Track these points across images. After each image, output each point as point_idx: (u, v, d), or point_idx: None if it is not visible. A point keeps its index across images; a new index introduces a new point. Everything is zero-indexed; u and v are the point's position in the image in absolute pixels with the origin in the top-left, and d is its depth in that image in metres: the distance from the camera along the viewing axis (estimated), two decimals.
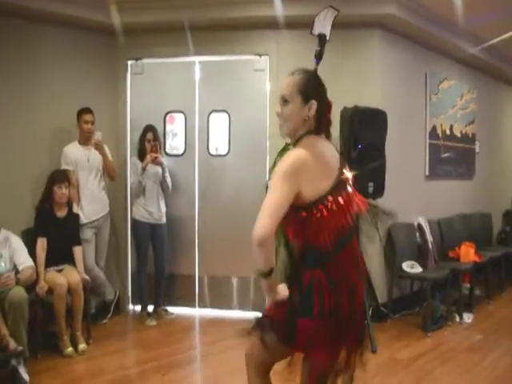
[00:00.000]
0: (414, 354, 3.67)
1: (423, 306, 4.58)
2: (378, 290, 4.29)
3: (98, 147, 4.16)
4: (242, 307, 4.56)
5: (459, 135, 5.81)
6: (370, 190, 3.98)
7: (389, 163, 4.14)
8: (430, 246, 4.71)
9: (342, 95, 4.27)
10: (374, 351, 3.66)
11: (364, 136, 3.95)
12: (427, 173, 5.24)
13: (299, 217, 1.67)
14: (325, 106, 1.78)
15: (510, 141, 7.34)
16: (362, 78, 4.41)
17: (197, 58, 4.63)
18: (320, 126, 1.77)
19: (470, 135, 6.08)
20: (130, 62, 4.74)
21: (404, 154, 4.76)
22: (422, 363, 3.50)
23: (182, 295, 4.68)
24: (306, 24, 3.80)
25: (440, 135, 5.44)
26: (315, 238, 1.68)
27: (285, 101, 1.75)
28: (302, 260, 1.75)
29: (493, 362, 3.55)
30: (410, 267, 4.41)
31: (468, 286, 4.91)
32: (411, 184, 4.91)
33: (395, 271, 4.48)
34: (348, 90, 4.35)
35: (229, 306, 4.62)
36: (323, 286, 1.66)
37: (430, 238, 4.75)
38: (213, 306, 4.67)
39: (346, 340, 1.77)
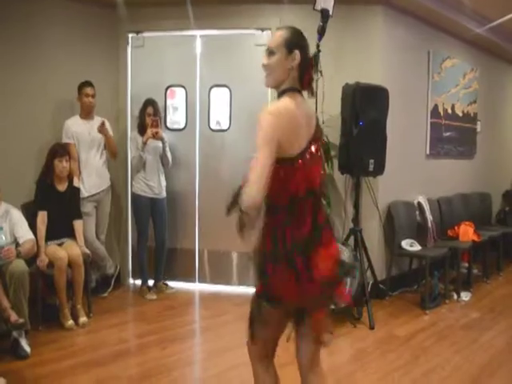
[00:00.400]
0: (411, 330, 3.72)
1: (421, 284, 4.62)
2: (376, 267, 4.32)
3: (102, 131, 4.12)
4: (242, 282, 4.59)
5: (461, 114, 5.77)
6: (371, 167, 3.96)
7: (390, 141, 4.11)
8: (430, 224, 4.73)
9: (344, 71, 4.25)
10: (372, 328, 3.72)
11: (365, 113, 3.91)
12: (428, 151, 5.22)
13: (277, 170, 1.67)
14: (308, 62, 1.84)
15: None
16: (365, 55, 4.36)
17: (198, 32, 4.56)
18: (303, 80, 1.83)
19: (472, 114, 6.04)
20: (130, 35, 4.67)
21: (405, 132, 4.73)
22: (419, 340, 3.54)
23: (182, 270, 4.71)
24: None
25: (441, 114, 5.40)
26: (286, 191, 1.74)
27: (270, 52, 1.82)
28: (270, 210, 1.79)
29: (489, 339, 3.60)
30: (410, 245, 4.43)
31: (466, 264, 4.96)
32: (412, 162, 4.89)
33: (394, 249, 4.50)
34: (350, 66, 4.31)
35: (229, 281, 4.65)
36: (287, 235, 1.73)
37: (429, 216, 4.76)
38: (213, 280, 4.70)
39: (311, 289, 1.73)
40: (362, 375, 3.00)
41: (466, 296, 4.59)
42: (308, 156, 1.78)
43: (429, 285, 4.26)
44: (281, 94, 1.83)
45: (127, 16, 4.47)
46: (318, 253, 1.73)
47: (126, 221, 4.75)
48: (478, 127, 6.23)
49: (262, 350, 1.93)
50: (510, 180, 7.21)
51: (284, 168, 1.71)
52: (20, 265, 3.20)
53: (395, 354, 3.31)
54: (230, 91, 4.55)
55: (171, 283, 4.60)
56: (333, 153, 4.26)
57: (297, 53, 1.79)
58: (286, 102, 1.77)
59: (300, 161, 1.74)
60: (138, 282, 4.59)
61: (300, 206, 1.76)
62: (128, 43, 4.67)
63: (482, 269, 5.30)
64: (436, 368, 3.09)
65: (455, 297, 4.53)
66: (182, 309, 4.18)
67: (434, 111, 5.27)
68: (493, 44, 6.07)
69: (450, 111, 5.54)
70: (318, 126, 1.91)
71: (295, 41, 1.82)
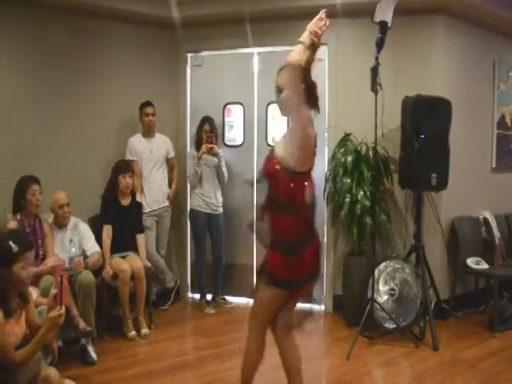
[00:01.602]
0: (479, 354, 3.51)
1: (489, 305, 4.35)
2: (439, 285, 4.14)
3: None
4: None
5: None
6: (433, 181, 3.83)
7: (453, 154, 3.97)
8: (497, 241, 4.48)
9: (404, 84, 4.17)
10: (435, 349, 3.56)
11: (427, 126, 3.80)
12: (494, 164, 4.97)
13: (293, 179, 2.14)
14: (312, 87, 2.19)
15: None
16: (425, 66, 4.25)
17: (255, 50, 4.64)
18: (310, 102, 2.20)
19: None
20: (189, 55, 4.83)
21: (469, 144, 4.54)
22: (488, 365, 3.33)
23: (240, 285, 4.73)
24: (366, 11, 3.75)
25: (509, 125, 5.15)
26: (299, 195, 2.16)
27: (279, 90, 2.20)
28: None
29: None
30: (476, 263, 4.21)
31: None
32: (477, 176, 4.68)
33: (459, 267, 4.30)
34: (410, 78, 4.22)
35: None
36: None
37: (497, 233, 4.52)
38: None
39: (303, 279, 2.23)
40: None
41: None
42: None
43: (498, 306, 4.02)
44: None
45: (186, 36, 4.64)
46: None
47: (185, 236, 4.85)
48: None
49: (265, 324, 2.32)
50: None
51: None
52: (88, 276, 3.36)
53: (461, 378, 3.14)
54: None
55: (229, 298, 4.63)
56: (392, 167, 4.17)
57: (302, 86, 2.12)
58: None
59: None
60: (197, 296, 4.66)
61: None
62: (187, 63, 4.83)
63: None
64: None
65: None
66: (240, 323, 4.17)
67: (501, 122, 5.03)
68: None
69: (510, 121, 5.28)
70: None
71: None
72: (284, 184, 2.13)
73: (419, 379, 3.15)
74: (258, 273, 2.39)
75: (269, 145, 4.65)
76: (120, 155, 4.31)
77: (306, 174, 2.20)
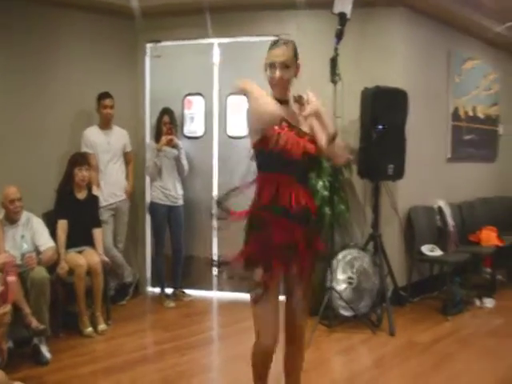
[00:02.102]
0: (433, 337, 3.64)
1: (443, 290, 4.52)
2: (396, 273, 4.25)
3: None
4: None
5: (482, 117, 5.67)
6: (390, 171, 3.92)
7: (409, 145, 4.06)
8: (451, 229, 4.64)
9: (363, 75, 4.22)
10: (392, 334, 3.66)
11: (385, 117, 3.88)
12: (449, 155, 5.13)
13: None
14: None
15: None
16: (384, 58, 4.31)
17: (216, 40, 4.59)
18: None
19: (494, 117, 5.93)
20: (148, 45, 4.73)
21: (425, 135, 4.66)
22: (441, 347, 3.46)
23: (200, 278, 4.70)
24: (327, 3, 3.76)
25: (462, 116, 5.32)
26: None
27: (286, 66, 2.01)
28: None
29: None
30: (430, 250, 4.35)
31: (489, 270, 4.84)
32: (432, 166, 4.81)
33: (415, 254, 4.42)
34: (369, 69, 4.27)
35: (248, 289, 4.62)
36: None
37: (450, 221, 4.67)
38: (232, 288, 4.67)
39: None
40: (382, 382, 2.95)
41: (489, 302, 4.47)
42: None
43: (450, 291, 4.17)
44: (288, 101, 2.11)
45: (145, 26, 4.54)
46: None
47: (144, 229, 4.78)
48: (500, 130, 6.10)
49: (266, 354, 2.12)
50: None
51: None
52: (41, 272, 3.24)
53: (416, 360, 3.24)
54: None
55: (189, 291, 4.60)
56: (352, 157, 4.22)
57: (299, 63, 2.05)
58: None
59: None
60: (157, 290, 4.60)
61: None
62: (146, 53, 4.73)
63: (506, 274, 5.16)
64: (459, 375, 3.01)
65: (478, 303, 4.42)
66: (200, 316, 4.18)
67: (455, 114, 5.19)
68: None
69: (471, 113, 5.45)
70: None
71: (297, 53, 2.08)
72: None
73: (377, 364, 3.22)
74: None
75: (229, 136, 4.63)
76: (76, 148, 4.18)
77: None
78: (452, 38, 5.07)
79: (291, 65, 2.02)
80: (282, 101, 2.07)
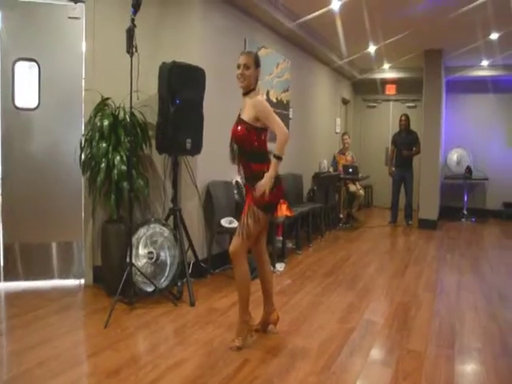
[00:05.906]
0: (230, 303, 3.88)
1: None
2: (197, 246, 4.40)
3: None
4: (64, 275, 4.26)
5: (275, 101, 6.19)
6: (188, 146, 3.99)
7: (208, 121, 4.20)
8: None
9: (162, 50, 4.21)
10: (192, 304, 3.78)
11: (182, 92, 3.92)
12: None
13: (260, 133, 3.05)
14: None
15: (319, 109, 8.13)
16: (183, 35, 4.37)
17: None
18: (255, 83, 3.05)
19: (285, 102, 6.54)
20: None
21: (222, 113, 4.84)
22: (236, 310, 3.68)
23: None
24: None
25: (274, 101, 5.70)
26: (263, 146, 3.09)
27: (247, 67, 2.99)
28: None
29: (297, 301, 3.98)
30: (228, 223, 4.60)
31: (280, 238, 5.37)
32: (228, 143, 5.04)
33: (214, 227, 4.63)
34: (168, 45, 4.29)
35: (48, 276, 4.25)
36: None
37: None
38: (27, 277, 4.22)
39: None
40: (181, 348, 3.02)
41: (280, 267, 4.97)
42: None
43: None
44: (248, 92, 3.04)
45: None
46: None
47: None
48: (291, 114, 6.78)
49: (249, 244, 3.11)
50: (317, 163, 8.04)
51: (264, 133, 3.06)
52: None
53: (214, 324, 3.42)
54: (39, 66, 4.13)
55: None
56: (150, 132, 4.18)
57: (259, 69, 3.06)
58: (259, 94, 3.06)
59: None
60: None
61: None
62: None
63: (294, 242, 5.79)
64: None
65: (271, 268, 4.85)
66: None
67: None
68: (302, 39, 6.65)
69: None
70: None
71: (258, 61, 3.05)
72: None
73: (177, 332, 3.29)
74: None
75: (16, 107, 4.13)
76: None
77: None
78: (249, 26, 5.40)
79: (251, 66, 2.99)
80: (244, 93, 3.05)
